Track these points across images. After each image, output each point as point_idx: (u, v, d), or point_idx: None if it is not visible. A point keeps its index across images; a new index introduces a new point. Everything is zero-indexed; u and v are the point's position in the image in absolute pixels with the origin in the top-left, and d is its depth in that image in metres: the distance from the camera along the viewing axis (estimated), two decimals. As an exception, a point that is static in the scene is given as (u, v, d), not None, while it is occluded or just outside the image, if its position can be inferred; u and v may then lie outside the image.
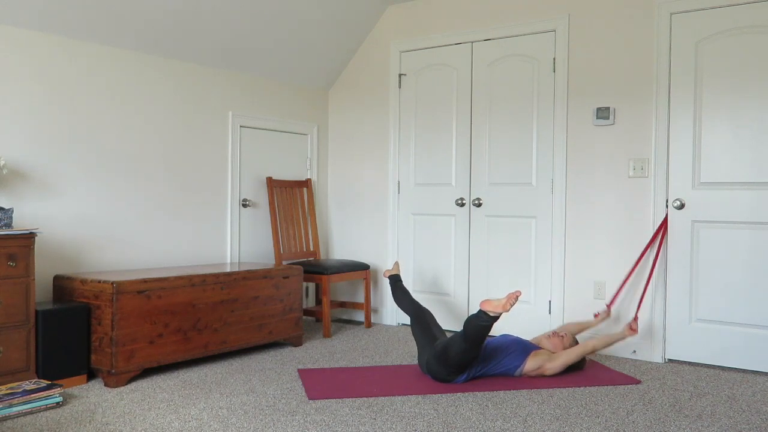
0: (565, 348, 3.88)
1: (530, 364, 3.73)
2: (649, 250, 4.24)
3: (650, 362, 4.23)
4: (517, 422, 3.04)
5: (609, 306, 4.26)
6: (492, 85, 4.94)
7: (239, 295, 4.20)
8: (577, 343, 3.97)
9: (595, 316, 4.27)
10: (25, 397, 3.08)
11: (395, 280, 4.48)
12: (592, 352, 3.84)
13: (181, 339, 3.87)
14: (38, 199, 3.87)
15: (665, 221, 4.20)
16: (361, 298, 5.61)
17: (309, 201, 5.54)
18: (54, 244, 3.94)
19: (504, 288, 4.89)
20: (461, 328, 4.07)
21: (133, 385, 3.58)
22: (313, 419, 3.05)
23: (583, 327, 4.19)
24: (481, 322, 3.39)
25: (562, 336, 3.94)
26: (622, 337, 3.96)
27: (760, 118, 3.96)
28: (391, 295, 5.38)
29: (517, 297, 3.34)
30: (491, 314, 3.37)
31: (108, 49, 4.21)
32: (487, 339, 3.81)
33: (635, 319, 4.06)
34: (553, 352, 3.84)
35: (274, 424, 2.98)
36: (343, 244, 5.74)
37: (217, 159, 4.92)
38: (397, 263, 4.67)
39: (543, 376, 3.77)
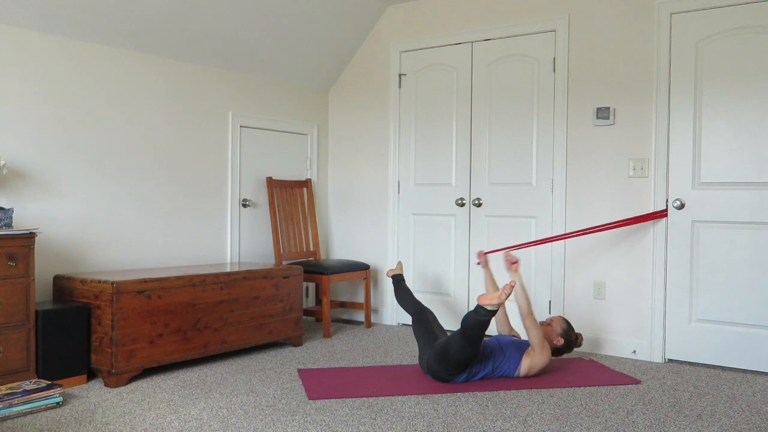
0: (557, 333, 3.91)
1: (524, 366, 3.74)
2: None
3: (650, 362, 4.23)
4: (517, 422, 3.04)
5: (482, 254, 4.32)
6: (492, 85, 4.94)
7: (239, 295, 4.20)
8: (567, 322, 4.00)
9: (478, 263, 4.37)
10: (25, 397, 3.08)
11: (398, 280, 4.48)
12: (529, 311, 3.77)
13: (181, 339, 3.87)
14: (38, 199, 3.87)
15: (665, 211, 4.19)
16: (361, 298, 5.61)
17: (309, 201, 5.54)
18: (54, 244, 3.94)
19: (522, 279, 4.88)
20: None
21: (133, 385, 3.58)
22: (313, 419, 3.05)
23: (491, 281, 4.21)
24: (479, 317, 3.40)
25: (549, 323, 3.95)
26: (512, 278, 3.94)
27: (760, 118, 3.96)
28: (391, 294, 5.40)
29: (512, 287, 3.39)
30: (489, 308, 3.38)
31: (108, 49, 4.21)
32: (484, 340, 3.82)
33: (507, 253, 4.09)
34: (549, 343, 3.87)
35: (274, 424, 2.98)
36: (343, 244, 5.74)
37: (217, 159, 4.92)
38: (400, 263, 4.67)
39: (541, 373, 3.79)
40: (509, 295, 3.39)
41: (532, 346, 3.74)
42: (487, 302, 3.39)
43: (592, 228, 4.36)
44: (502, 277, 4.50)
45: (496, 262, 4.67)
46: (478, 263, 4.35)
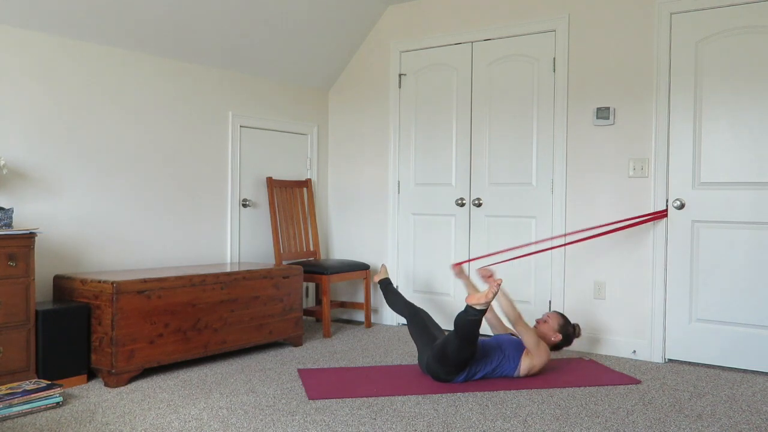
0: (554, 329, 3.91)
1: (524, 366, 3.74)
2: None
3: (650, 362, 4.23)
4: (517, 422, 3.04)
5: (456, 266, 4.28)
6: (492, 85, 4.94)
7: (239, 295, 4.20)
8: (563, 317, 3.98)
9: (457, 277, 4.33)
10: (25, 397, 3.08)
11: (386, 284, 4.47)
12: (517, 317, 3.77)
13: (181, 339, 3.87)
14: (38, 199, 3.87)
15: (665, 211, 4.18)
16: (361, 298, 5.61)
17: (309, 201, 5.54)
18: (54, 244, 3.94)
19: (503, 288, 4.88)
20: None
21: (133, 385, 3.58)
22: (313, 419, 3.05)
23: (472, 290, 4.17)
24: (469, 317, 3.40)
25: (546, 320, 3.95)
26: (491, 287, 3.68)
27: (760, 118, 3.96)
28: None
29: (499, 285, 3.38)
30: (478, 307, 3.38)
31: (108, 49, 4.21)
32: (482, 339, 3.82)
33: (482, 268, 4.07)
34: (547, 340, 3.88)
35: (274, 424, 2.98)
36: (343, 244, 5.74)
37: (217, 159, 4.92)
38: (384, 267, 4.65)
39: (541, 372, 3.79)
40: (496, 293, 3.37)
41: (528, 349, 3.74)
42: (475, 302, 3.38)
43: (591, 231, 4.36)
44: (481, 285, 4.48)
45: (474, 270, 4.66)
46: (457, 276, 4.33)
